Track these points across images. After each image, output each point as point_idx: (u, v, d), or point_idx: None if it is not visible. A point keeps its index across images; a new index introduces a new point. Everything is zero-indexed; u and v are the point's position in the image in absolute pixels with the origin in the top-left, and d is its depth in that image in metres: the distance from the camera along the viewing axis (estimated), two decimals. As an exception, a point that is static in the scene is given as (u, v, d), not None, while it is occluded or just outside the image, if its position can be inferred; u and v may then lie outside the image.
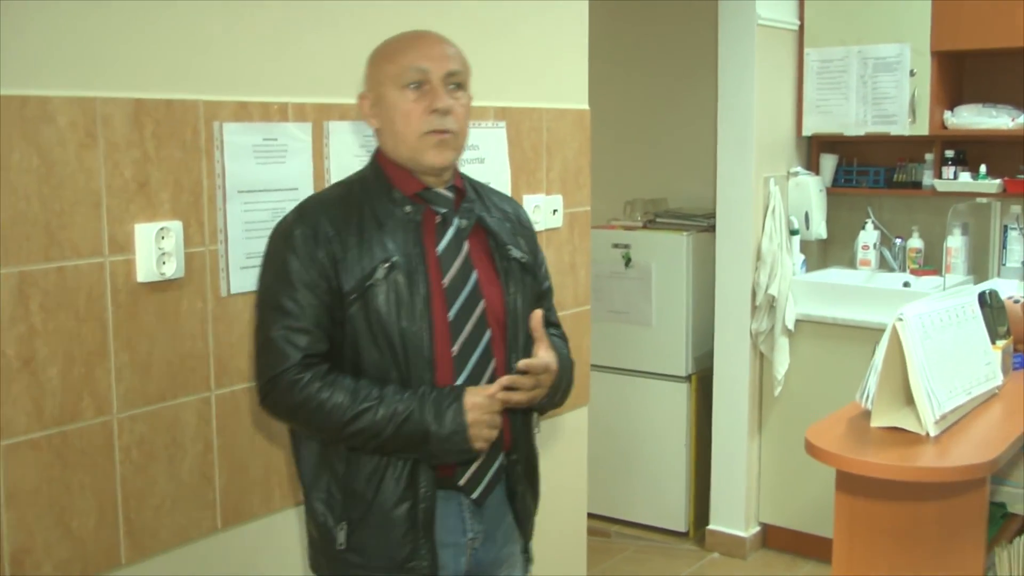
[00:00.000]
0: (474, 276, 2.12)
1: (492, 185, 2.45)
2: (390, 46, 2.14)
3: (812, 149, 4.95)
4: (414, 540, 2.04)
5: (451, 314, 2.07)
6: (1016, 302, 2.46)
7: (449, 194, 2.15)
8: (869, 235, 4.85)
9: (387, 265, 2.02)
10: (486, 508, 2.16)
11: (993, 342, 2.30)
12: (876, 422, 1.81)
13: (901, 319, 1.74)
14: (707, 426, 4.80)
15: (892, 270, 4.78)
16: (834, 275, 4.88)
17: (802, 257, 4.77)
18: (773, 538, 4.79)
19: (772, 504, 4.74)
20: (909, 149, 4.79)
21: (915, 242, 4.73)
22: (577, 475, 3.58)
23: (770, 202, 4.59)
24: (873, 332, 4.32)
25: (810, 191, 4.73)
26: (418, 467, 2.04)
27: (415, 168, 2.11)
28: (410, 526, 2.04)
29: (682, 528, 4.93)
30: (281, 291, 2.00)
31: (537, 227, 3.16)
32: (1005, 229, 4.51)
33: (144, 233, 2.19)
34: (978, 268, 4.63)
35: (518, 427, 2.18)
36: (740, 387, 4.65)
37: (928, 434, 1.77)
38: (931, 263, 4.70)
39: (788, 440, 4.63)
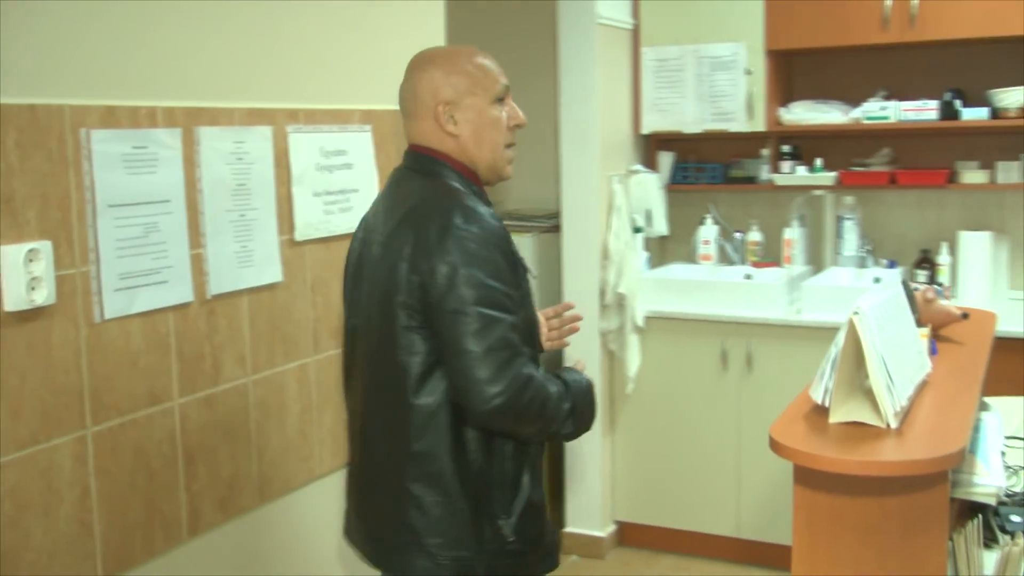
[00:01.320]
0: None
1: (361, 192, 2.56)
2: (470, 57, 2.22)
3: (650, 147, 4.98)
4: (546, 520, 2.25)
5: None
6: (915, 290, 2.50)
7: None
8: (709, 230, 4.91)
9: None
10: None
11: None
12: (835, 417, 1.78)
13: (857, 312, 1.71)
14: (560, 428, 4.75)
15: (733, 263, 4.87)
16: (678, 271, 4.92)
17: (646, 254, 4.80)
18: (629, 536, 4.79)
19: (627, 502, 4.74)
20: (744, 145, 4.88)
21: (754, 235, 4.83)
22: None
23: (614, 200, 4.59)
24: (720, 324, 4.39)
25: (650, 189, 4.76)
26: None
27: (485, 176, 2.24)
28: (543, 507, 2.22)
29: (539, 533, 4.86)
30: (499, 290, 2.01)
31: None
32: (840, 220, 4.65)
33: (11, 256, 1.95)
34: (815, 258, 4.76)
35: None
36: (592, 387, 4.62)
37: (889, 426, 1.74)
38: (771, 255, 4.81)
39: (642, 437, 4.65)
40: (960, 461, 1.59)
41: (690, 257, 5.06)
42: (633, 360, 4.59)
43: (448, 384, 2.03)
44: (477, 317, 1.97)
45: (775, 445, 1.69)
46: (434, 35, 3.27)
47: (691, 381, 4.53)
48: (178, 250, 2.32)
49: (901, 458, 1.59)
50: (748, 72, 4.56)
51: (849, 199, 4.62)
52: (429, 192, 2.12)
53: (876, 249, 4.67)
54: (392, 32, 3.08)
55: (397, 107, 3.13)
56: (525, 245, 4.70)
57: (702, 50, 4.66)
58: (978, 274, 4.40)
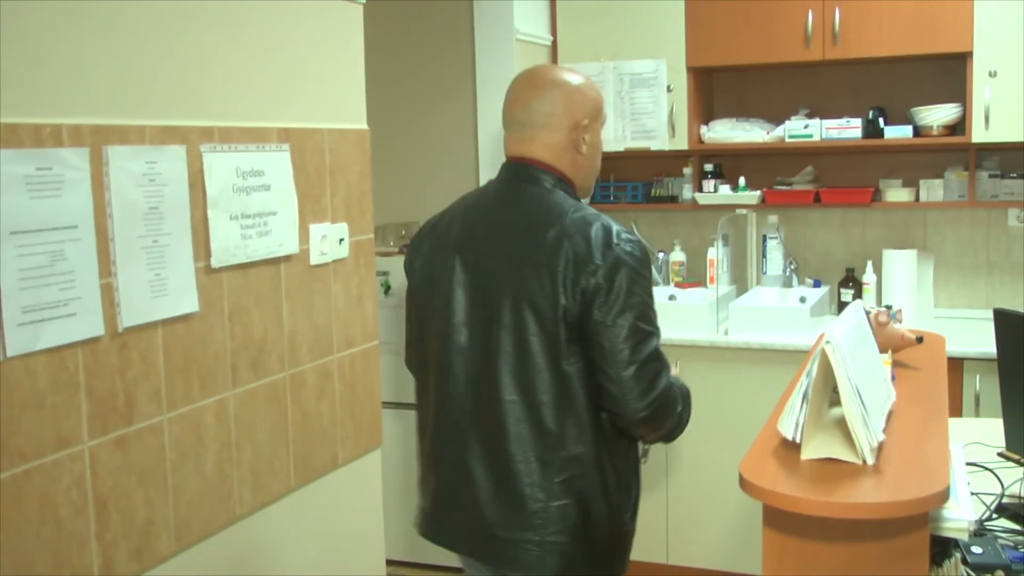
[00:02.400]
0: None
1: (280, 215, 2.51)
2: (592, 83, 2.36)
3: (570, 166, 4.88)
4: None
5: None
6: (867, 313, 2.42)
7: None
8: (630, 250, 4.83)
9: None
10: None
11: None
12: (808, 453, 1.67)
13: (830, 342, 1.61)
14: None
15: (657, 284, 4.79)
16: (600, 292, 4.82)
17: (568, 276, 4.69)
18: None
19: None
20: (666, 163, 4.82)
21: (677, 255, 4.76)
22: (373, 523, 3.30)
23: (536, 221, 4.47)
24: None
25: (572, 208, 4.65)
26: None
27: (580, 197, 2.31)
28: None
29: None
30: (651, 306, 2.15)
31: (323, 259, 2.94)
32: (764, 239, 4.61)
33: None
34: (740, 278, 4.71)
35: None
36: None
37: (865, 462, 1.64)
38: (694, 275, 4.74)
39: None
40: (945, 500, 1.50)
41: (612, 278, 4.97)
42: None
43: (593, 389, 2.14)
44: (637, 331, 2.09)
45: (747, 486, 1.58)
46: (352, 53, 3.13)
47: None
48: (87, 280, 2.13)
49: (885, 499, 1.48)
50: (669, 89, 4.50)
51: (773, 218, 4.58)
52: (568, 206, 2.19)
53: (801, 268, 4.64)
54: (310, 48, 2.92)
55: (316, 125, 3.00)
56: (445, 267, 4.55)
57: (622, 67, 4.59)
58: (903, 293, 4.38)
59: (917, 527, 1.50)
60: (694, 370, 4.18)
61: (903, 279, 4.38)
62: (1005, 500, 2.15)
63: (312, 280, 2.92)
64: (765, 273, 4.62)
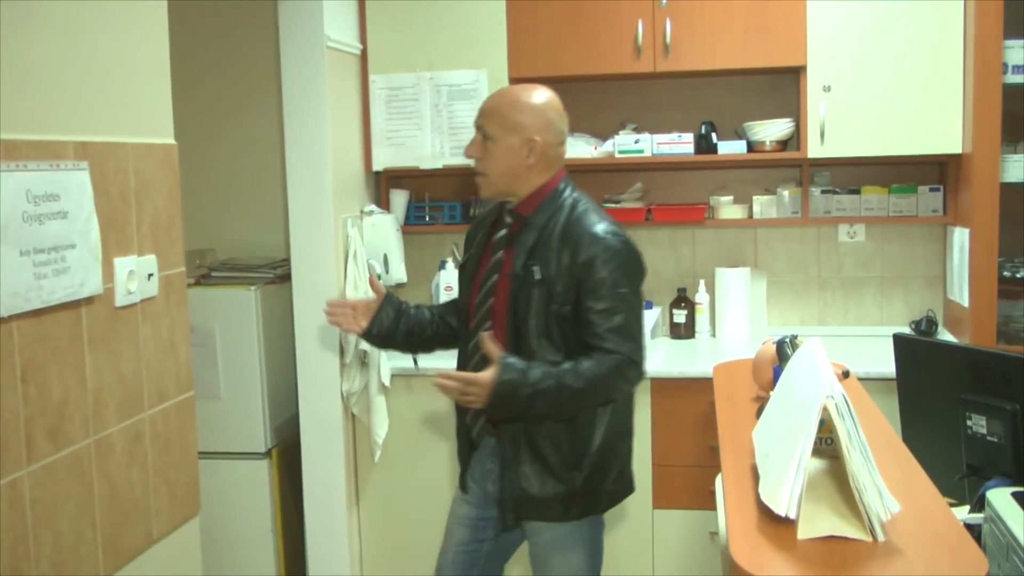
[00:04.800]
0: (494, 279, 2.79)
1: (79, 248, 2.20)
2: None
3: (382, 185, 4.50)
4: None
5: (476, 299, 2.85)
6: (775, 342, 2.17)
7: (508, 219, 2.82)
8: (450, 275, 4.49)
9: None
10: (496, 455, 2.86)
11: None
12: (806, 532, 1.37)
13: (832, 397, 1.32)
14: (297, 501, 4.18)
15: (479, 311, 4.47)
16: (419, 321, 4.46)
17: (385, 304, 4.30)
18: (381, 619, 4.26)
19: (377, 579, 4.22)
20: (485, 181, 4.51)
21: (502, 279, 4.44)
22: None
23: (350, 246, 4.07)
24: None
25: (387, 231, 4.28)
26: None
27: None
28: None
29: (276, 624, 4.25)
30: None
31: (130, 299, 2.45)
32: (594, 260, 4.36)
33: None
34: (568, 302, 4.44)
35: (510, 425, 2.76)
36: (333, 456, 4.08)
37: (876, 539, 1.36)
38: (521, 300, 4.44)
39: (392, 509, 4.15)
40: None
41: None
42: (380, 424, 4.08)
43: None
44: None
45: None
46: (157, 54, 2.67)
47: (446, 444, 4.07)
48: None
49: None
50: (491, 102, 4.18)
51: (602, 237, 4.34)
52: None
53: (632, 290, 4.41)
54: (111, 52, 2.44)
55: (118, 138, 2.51)
56: (247, 300, 4.09)
57: (439, 78, 4.25)
58: (736, 312, 4.23)
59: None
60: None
61: (736, 298, 4.24)
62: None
63: (118, 324, 2.43)
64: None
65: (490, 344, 2.61)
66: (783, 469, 1.36)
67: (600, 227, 2.67)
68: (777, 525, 1.40)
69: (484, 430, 2.86)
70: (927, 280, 4.32)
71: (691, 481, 3.85)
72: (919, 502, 1.44)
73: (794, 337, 2.12)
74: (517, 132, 2.72)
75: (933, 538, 1.36)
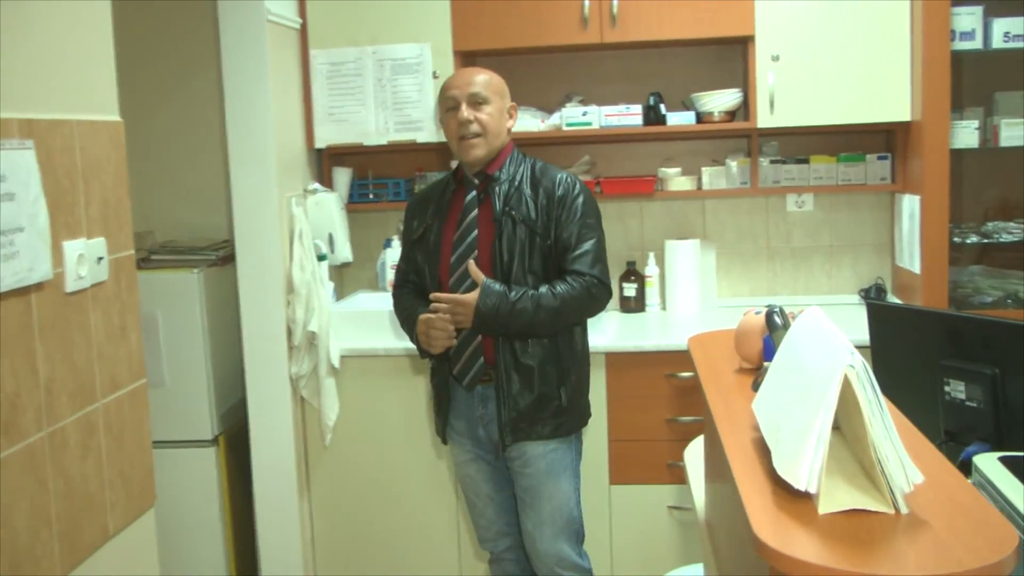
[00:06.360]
0: (474, 234, 3.11)
1: (28, 232, 2.08)
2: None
3: (324, 163, 4.40)
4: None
5: (452, 258, 3.13)
6: (758, 313, 2.13)
7: (475, 180, 3.18)
8: (396, 253, 4.40)
9: None
10: (488, 399, 3.17)
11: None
12: (828, 506, 1.33)
13: (853, 366, 1.28)
14: (246, 489, 4.08)
15: (427, 289, 4.40)
16: (366, 300, 4.39)
17: (331, 285, 4.21)
18: (335, 605, 4.18)
19: (330, 563, 4.13)
20: (430, 157, 4.44)
21: (450, 257, 4.37)
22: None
23: (295, 225, 3.97)
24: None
25: (332, 210, 4.18)
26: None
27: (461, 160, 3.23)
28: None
29: (228, 613, 4.15)
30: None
31: (81, 284, 2.34)
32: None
33: None
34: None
35: (501, 351, 3.09)
36: (283, 441, 3.98)
37: (899, 512, 1.32)
38: (469, 278, 4.37)
39: (345, 494, 4.07)
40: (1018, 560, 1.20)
41: (375, 284, 4.55)
42: (330, 407, 4.00)
43: None
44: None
45: (773, 555, 1.21)
46: (100, 29, 2.55)
47: (398, 426, 4.01)
48: None
49: (973, 564, 1.16)
50: (435, 76, 4.11)
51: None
52: None
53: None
54: (52, 24, 2.32)
55: (64, 115, 2.39)
56: (190, 284, 3.97)
57: (382, 52, 4.15)
58: (687, 284, 4.22)
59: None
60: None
61: (686, 270, 4.23)
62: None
63: (69, 311, 2.32)
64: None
65: (475, 270, 3.01)
66: (801, 442, 1.32)
67: (564, 173, 3.14)
68: (795, 500, 1.36)
69: (477, 378, 3.15)
70: (875, 248, 4.34)
71: (648, 456, 3.83)
72: (933, 473, 1.41)
73: (781, 308, 2.09)
74: (504, 98, 3.17)
75: (956, 509, 1.33)
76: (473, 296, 2.99)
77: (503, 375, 3.09)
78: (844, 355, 1.31)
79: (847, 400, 1.35)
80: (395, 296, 3.39)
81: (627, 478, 3.87)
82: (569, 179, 3.12)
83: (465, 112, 3.08)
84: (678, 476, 3.80)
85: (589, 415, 3.28)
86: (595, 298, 3.07)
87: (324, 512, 4.10)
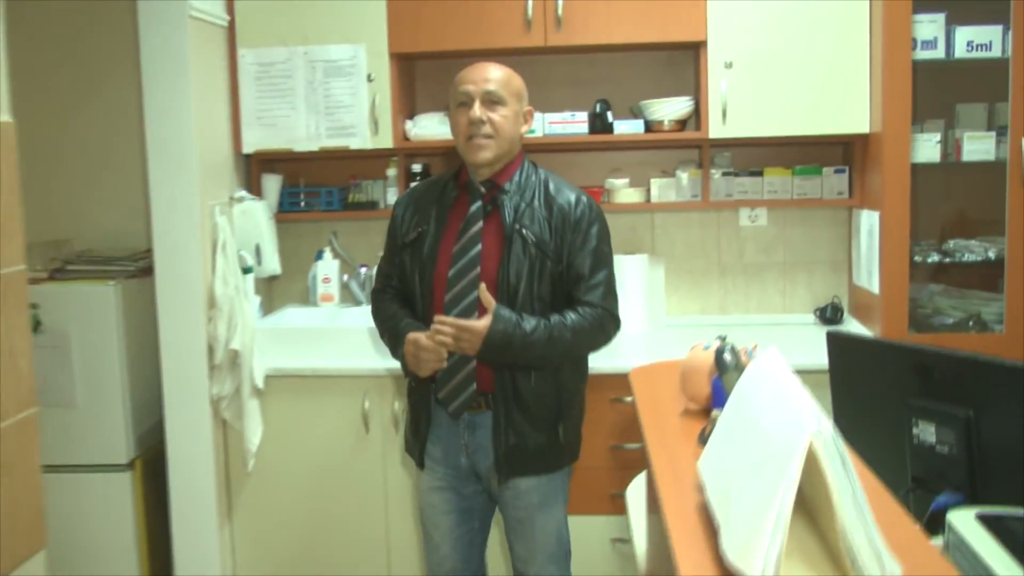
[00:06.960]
0: (476, 248, 2.82)
1: None
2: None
3: (253, 169, 4.15)
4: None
5: (450, 272, 2.83)
6: (706, 348, 1.92)
7: (482, 188, 2.88)
8: (328, 265, 4.19)
9: None
10: (476, 427, 2.91)
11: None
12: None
13: (820, 433, 1.06)
14: (163, 516, 3.82)
15: (360, 303, 4.17)
16: (295, 316, 4.16)
17: (258, 299, 3.97)
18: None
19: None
20: (366, 164, 4.21)
21: (385, 270, 4.14)
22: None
23: (219, 235, 3.72)
24: (359, 379, 3.69)
25: (259, 219, 3.94)
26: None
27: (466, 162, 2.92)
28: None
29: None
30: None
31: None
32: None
33: None
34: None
35: (501, 381, 2.83)
36: (203, 466, 3.73)
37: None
38: (406, 293, 4.15)
39: (268, 522, 3.83)
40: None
41: (305, 298, 4.31)
42: (253, 430, 3.75)
43: None
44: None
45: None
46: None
47: (328, 451, 3.77)
48: None
49: None
50: (370, 79, 3.88)
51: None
52: None
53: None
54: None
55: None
56: (106, 296, 3.71)
57: (314, 53, 3.92)
58: (635, 301, 4.01)
59: None
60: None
61: (634, 286, 4.03)
62: None
63: (-59, 336, 2.07)
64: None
65: (486, 294, 2.73)
66: (756, 524, 1.11)
67: (579, 194, 2.89)
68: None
69: (466, 405, 2.89)
70: (831, 265, 4.16)
71: (590, 485, 3.62)
72: (916, 562, 1.21)
73: (725, 337, 1.88)
74: (521, 101, 2.93)
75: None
76: (484, 324, 2.71)
77: (501, 406, 2.86)
78: (809, 420, 1.10)
79: (810, 470, 1.14)
80: (375, 302, 3.10)
81: (568, 509, 3.65)
82: (586, 200, 2.87)
83: (478, 111, 2.81)
84: (621, 507, 3.58)
85: (580, 445, 3.08)
86: (606, 331, 2.87)
87: (246, 542, 3.85)
